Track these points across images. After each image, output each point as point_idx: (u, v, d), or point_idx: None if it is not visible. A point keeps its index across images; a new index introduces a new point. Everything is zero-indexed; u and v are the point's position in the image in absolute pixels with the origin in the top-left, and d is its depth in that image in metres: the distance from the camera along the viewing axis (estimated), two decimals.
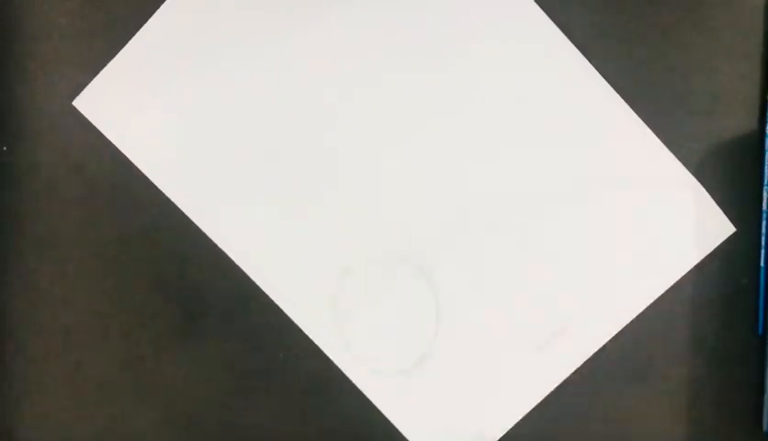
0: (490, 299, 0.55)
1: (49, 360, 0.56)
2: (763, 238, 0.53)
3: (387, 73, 0.54)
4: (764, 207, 0.53)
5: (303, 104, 0.55)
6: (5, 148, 0.56)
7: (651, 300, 0.54)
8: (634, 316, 0.54)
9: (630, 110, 0.54)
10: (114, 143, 0.55)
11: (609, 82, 0.54)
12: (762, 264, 0.54)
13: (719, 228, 0.54)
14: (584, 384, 0.55)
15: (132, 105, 0.55)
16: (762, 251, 0.53)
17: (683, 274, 0.54)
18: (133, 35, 0.55)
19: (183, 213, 0.55)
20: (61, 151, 0.55)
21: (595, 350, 0.55)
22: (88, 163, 0.55)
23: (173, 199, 0.55)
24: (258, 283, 0.55)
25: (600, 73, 0.54)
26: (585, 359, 0.55)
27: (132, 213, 0.56)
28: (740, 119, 0.54)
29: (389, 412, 0.56)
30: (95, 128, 0.55)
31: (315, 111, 0.55)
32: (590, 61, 0.54)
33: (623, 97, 0.54)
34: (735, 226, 0.54)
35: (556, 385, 0.55)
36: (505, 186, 0.55)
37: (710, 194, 0.54)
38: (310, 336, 0.55)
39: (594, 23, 0.54)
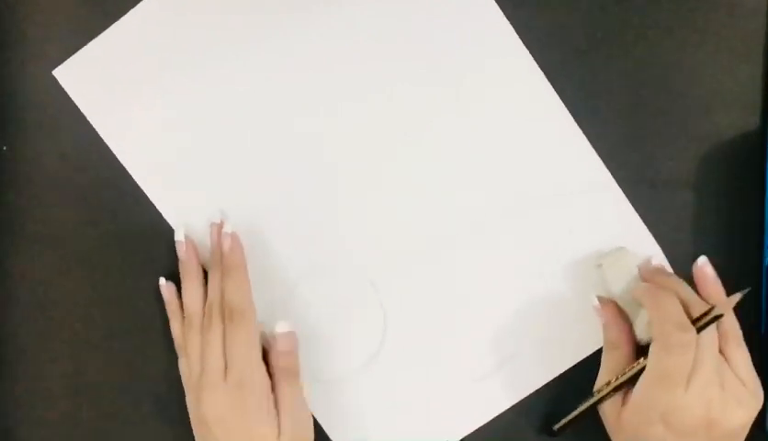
0: (438, 324, 0.55)
1: (49, 360, 0.56)
2: (765, 237, 0.53)
3: (347, 98, 0.54)
4: (765, 206, 0.54)
5: (277, 110, 0.55)
6: (5, 148, 0.56)
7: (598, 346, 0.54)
8: (582, 358, 0.55)
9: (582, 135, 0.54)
10: (89, 119, 0.55)
11: (609, 81, 0.54)
12: (764, 263, 0.54)
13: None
14: (586, 382, 0.55)
15: (113, 85, 0.54)
16: (764, 250, 0.54)
17: None
18: (121, 17, 0.54)
19: None
20: (61, 151, 0.55)
21: (543, 383, 0.55)
22: (87, 164, 0.55)
23: (141, 186, 0.55)
24: None
25: (600, 72, 0.54)
26: (526, 394, 0.55)
27: (132, 213, 0.56)
28: (741, 119, 0.54)
29: (322, 419, 0.56)
30: (95, 129, 0.55)
31: (284, 123, 0.55)
32: (590, 61, 0.54)
33: (623, 97, 0.54)
34: (736, 226, 0.54)
35: (493, 416, 0.55)
36: (462, 213, 0.55)
37: (711, 194, 0.54)
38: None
39: (595, 24, 0.54)
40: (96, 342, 0.56)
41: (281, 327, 0.53)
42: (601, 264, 0.53)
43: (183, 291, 0.54)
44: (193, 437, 0.53)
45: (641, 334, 0.52)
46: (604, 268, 0.53)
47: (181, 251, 0.54)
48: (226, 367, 0.50)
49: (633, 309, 0.52)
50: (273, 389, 0.52)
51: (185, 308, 0.53)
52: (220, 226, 0.54)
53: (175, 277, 0.55)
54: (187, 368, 0.53)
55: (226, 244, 0.53)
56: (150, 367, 0.56)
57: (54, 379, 0.56)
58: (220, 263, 0.53)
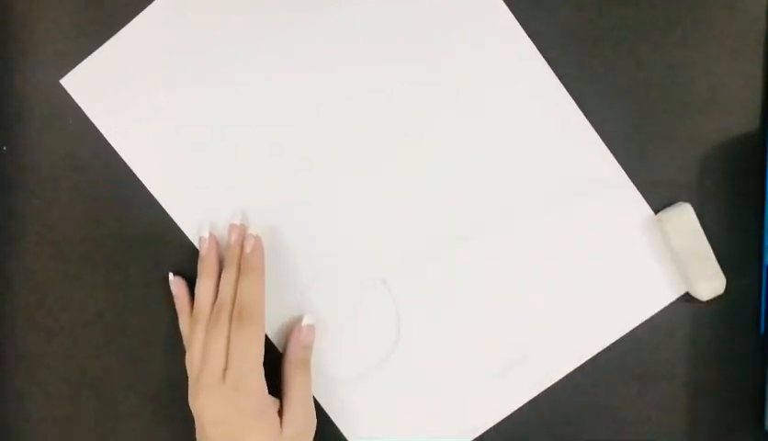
0: (451, 322, 0.55)
1: (49, 360, 0.56)
2: (765, 237, 0.54)
3: (352, 98, 0.54)
4: (765, 206, 0.54)
5: (281, 111, 0.55)
6: (5, 148, 0.56)
7: (614, 339, 0.55)
8: (598, 350, 0.55)
9: (607, 149, 0.54)
10: (97, 125, 0.55)
11: (609, 81, 0.54)
12: (764, 263, 0.54)
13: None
14: (588, 382, 0.55)
15: (120, 91, 0.55)
16: (764, 250, 0.54)
17: (644, 319, 0.55)
18: (126, 24, 0.54)
19: None
20: (61, 151, 0.55)
21: (556, 380, 0.55)
22: (88, 164, 0.55)
23: (149, 189, 0.55)
24: None
25: (601, 72, 0.54)
26: (544, 389, 0.55)
27: (132, 213, 0.55)
28: (741, 119, 0.54)
29: (337, 418, 0.56)
30: (96, 129, 0.55)
31: (288, 123, 0.55)
32: (591, 60, 0.54)
33: (623, 96, 0.54)
34: (735, 227, 0.54)
35: (507, 413, 0.55)
36: (474, 212, 0.55)
37: (711, 194, 0.54)
38: (276, 344, 0.56)
39: (596, 23, 0.54)
40: (96, 342, 0.56)
41: (308, 320, 0.54)
42: (660, 218, 0.53)
43: (197, 287, 0.53)
44: (194, 437, 0.53)
45: (700, 293, 0.53)
46: (663, 222, 0.53)
47: (204, 247, 0.54)
48: (226, 368, 0.51)
49: (691, 263, 0.53)
50: (284, 380, 0.53)
51: (195, 303, 0.53)
52: (240, 227, 0.54)
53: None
54: (190, 364, 0.53)
55: (248, 245, 0.53)
56: (150, 367, 0.56)
57: (54, 379, 0.56)
58: (236, 263, 0.53)
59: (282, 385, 0.53)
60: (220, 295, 0.52)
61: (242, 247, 0.53)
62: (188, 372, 0.53)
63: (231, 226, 0.54)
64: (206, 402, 0.50)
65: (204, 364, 0.51)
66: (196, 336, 0.52)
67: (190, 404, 0.52)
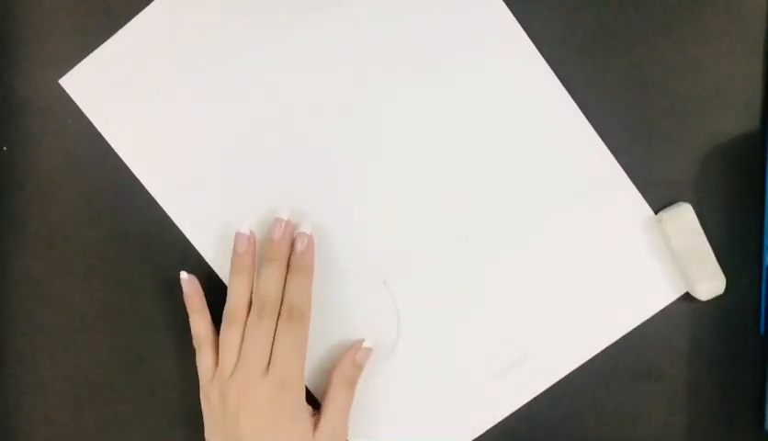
0: (451, 322, 0.55)
1: (49, 360, 0.56)
2: (765, 237, 0.54)
3: (356, 97, 0.54)
4: (765, 206, 0.54)
5: (281, 112, 0.55)
6: (4, 148, 0.56)
7: (614, 339, 0.55)
8: (598, 350, 0.55)
9: (603, 145, 0.54)
10: (95, 125, 0.55)
11: (609, 82, 0.54)
12: (764, 263, 0.54)
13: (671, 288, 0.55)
14: (588, 382, 0.55)
15: (119, 90, 0.55)
16: (764, 250, 0.54)
17: (642, 321, 0.55)
18: (125, 24, 0.55)
19: None
20: (60, 151, 0.55)
21: (555, 381, 0.55)
22: (88, 164, 0.55)
23: (149, 189, 0.55)
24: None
25: (600, 71, 0.54)
26: (544, 389, 0.55)
27: (132, 213, 0.56)
28: (741, 119, 0.54)
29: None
30: (96, 129, 0.55)
31: (287, 124, 0.55)
32: (591, 60, 0.54)
33: (623, 97, 0.54)
34: (735, 227, 0.54)
35: (507, 414, 0.55)
36: (474, 212, 0.55)
37: (711, 194, 0.54)
38: None
39: (596, 23, 0.54)
40: (97, 341, 0.56)
41: (368, 343, 0.54)
42: (660, 218, 0.53)
43: (231, 285, 0.52)
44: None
45: (700, 293, 0.53)
46: (663, 222, 0.53)
47: (242, 244, 0.52)
48: (268, 364, 0.50)
49: (691, 263, 0.53)
50: (327, 391, 0.53)
51: (230, 300, 0.52)
52: (288, 223, 0.53)
53: (173, 279, 0.55)
54: (210, 363, 0.52)
55: (302, 244, 0.52)
56: (150, 367, 0.56)
57: (54, 379, 0.56)
58: (281, 259, 0.52)
59: (324, 395, 0.53)
60: (263, 291, 0.51)
61: (289, 244, 0.53)
62: (206, 371, 0.52)
63: (278, 220, 0.53)
64: (247, 394, 0.50)
65: (243, 360, 0.50)
66: (230, 334, 0.51)
67: (211, 401, 0.51)
